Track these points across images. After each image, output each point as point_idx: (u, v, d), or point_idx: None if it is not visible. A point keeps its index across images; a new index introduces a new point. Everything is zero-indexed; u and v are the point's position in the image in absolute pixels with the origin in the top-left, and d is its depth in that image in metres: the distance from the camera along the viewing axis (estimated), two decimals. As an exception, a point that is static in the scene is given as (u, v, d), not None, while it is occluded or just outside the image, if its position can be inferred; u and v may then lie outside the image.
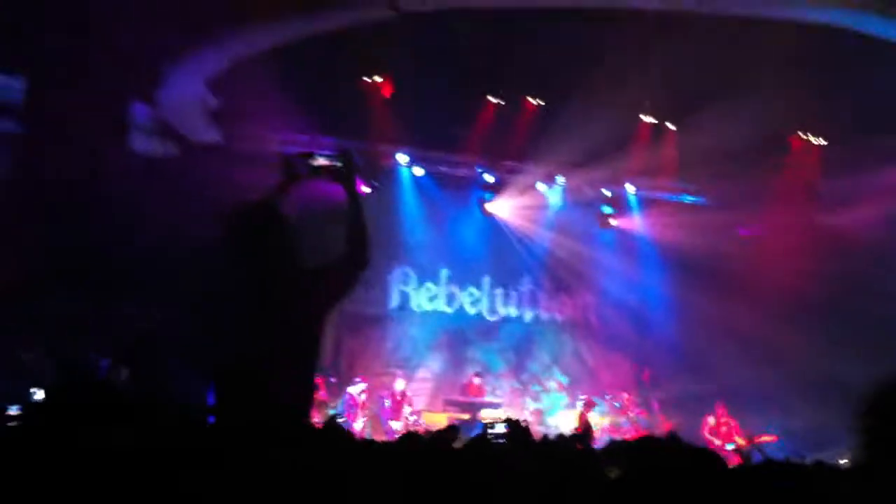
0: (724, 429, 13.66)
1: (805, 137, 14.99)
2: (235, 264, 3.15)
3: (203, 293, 3.28)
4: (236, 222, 3.21)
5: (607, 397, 14.98)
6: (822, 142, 14.89)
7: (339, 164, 3.37)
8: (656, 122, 14.82)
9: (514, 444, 5.73)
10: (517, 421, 6.56)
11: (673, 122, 14.81)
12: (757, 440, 13.09)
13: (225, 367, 3.09)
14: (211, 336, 3.18)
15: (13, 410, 5.01)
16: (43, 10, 10.04)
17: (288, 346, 3.08)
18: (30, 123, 11.00)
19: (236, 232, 3.18)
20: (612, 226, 16.15)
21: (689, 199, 16.18)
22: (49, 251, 10.58)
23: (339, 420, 11.75)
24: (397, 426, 13.26)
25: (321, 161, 3.38)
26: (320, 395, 13.12)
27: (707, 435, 13.60)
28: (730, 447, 13.11)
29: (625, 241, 16.41)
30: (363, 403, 13.34)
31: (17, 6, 10.00)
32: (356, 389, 13.27)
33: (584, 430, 9.79)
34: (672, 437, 8.43)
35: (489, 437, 8.73)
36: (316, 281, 3.22)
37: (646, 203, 16.26)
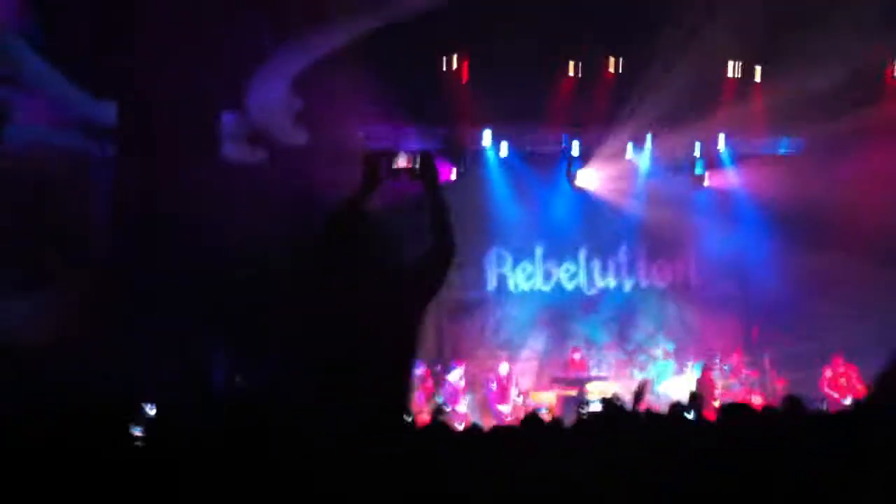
0: (842, 380, 13.34)
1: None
2: (330, 268, 3.19)
3: (301, 296, 3.30)
4: (330, 227, 3.25)
5: (716, 360, 14.72)
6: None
7: (417, 166, 3.37)
8: (742, 72, 14.40)
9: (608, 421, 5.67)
10: (611, 399, 6.50)
11: (759, 71, 14.37)
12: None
13: (324, 369, 3.13)
14: (309, 341, 3.20)
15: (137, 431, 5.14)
16: (128, 32, 10.30)
17: (386, 346, 3.10)
18: (124, 146, 11.31)
19: (330, 236, 3.23)
20: (705, 185, 15.75)
21: (783, 149, 15.66)
22: (157, 267, 10.88)
23: (445, 409, 11.86)
24: (506, 409, 13.30)
25: (401, 163, 3.36)
26: (427, 385, 13.26)
27: (826, 389, 13.30)
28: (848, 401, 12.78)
29: (720, 199, 16.01)
30: (463, 388, 13.42)
31: (102, 31, 10.28)
32: (455, 376, 13.39)
33: (696, 396, 9.55)
34: (790, 402, 8.24)
35: (582, 415, 8.71)
36: (408, 279, 3.24)
37: (739, 159, 15.80)
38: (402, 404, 3.27)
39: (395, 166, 3.35)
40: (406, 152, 3.40)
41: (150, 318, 10.47)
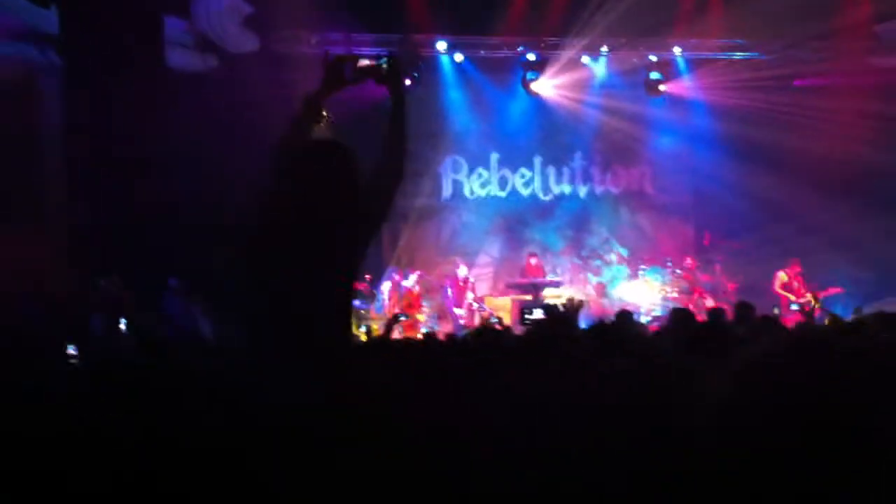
0: (795, 284, 13.65)
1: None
2: (283, 190, 3.12)
3: (247, 219, 3.29)
4: (283, 147, 3.17)
5: (669, 264, 15.01)
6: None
7: (384, 66, 3.25)
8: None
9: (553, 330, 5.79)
10: (554, 306, 6.60)
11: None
12: (822, 294, 13.13)
13: (268, 296, 3.10)
14: (253, 262, 3.20)
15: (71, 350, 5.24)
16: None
17: (331, 272, 3.08)
18: (67, 54, 11.10)
19: (286, 162, 3.14)
20: (661, 92, 15.73)
21: (739, 55, 15.66)
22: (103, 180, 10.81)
23: (400, 318, 12.03)
24: (461, 312, 13.53)
25: (365, 63, 3.25)
26: (388, 293, 13.45)
27: (779, 290, 13.60)
28: (794, 307, 13.14)
29: (676, 106, 16.04)
30: (418, 293, 13.60)
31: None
32: (410, 282, 13.53)
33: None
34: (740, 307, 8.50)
35: (526, 323, 8.81)
36: (364, 198, 3.15)
37: (695, 64, 15.78)
38: (347, 326, 3.25)
39: (359, 66, 3.25)
40: (370, 58, 3.30)
41: (104, 245, 10.45)
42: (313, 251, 3.04)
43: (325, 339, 3.04)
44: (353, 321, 3.22)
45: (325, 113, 3.29)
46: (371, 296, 13.21)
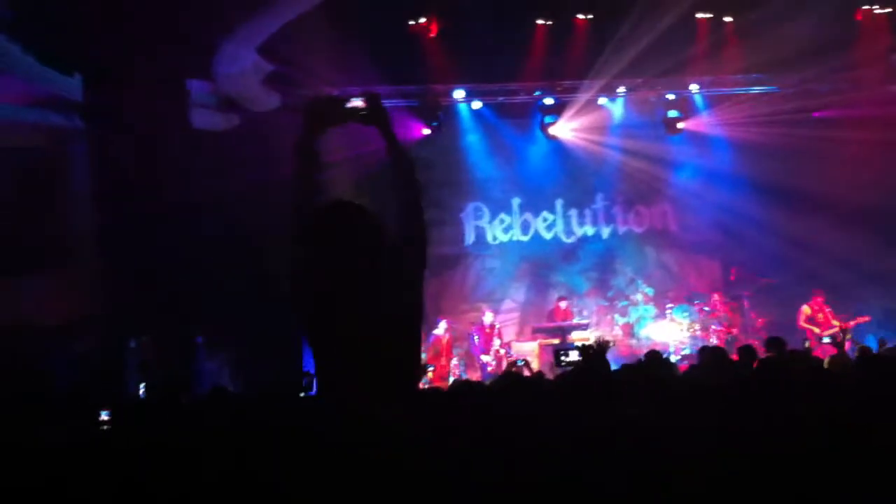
0: (820, 316, 13.55)
1: (871, 9, 14.50)
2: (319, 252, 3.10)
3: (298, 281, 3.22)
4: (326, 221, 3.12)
5: (696, 302, 14.93)
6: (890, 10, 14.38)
7: (364, 107, 3.21)
8: (713, 15, 14.45)
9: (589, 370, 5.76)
10: (588, 347, 6.57)
11: (731, 14, 14.43)
12: (851, 324, 13.06)
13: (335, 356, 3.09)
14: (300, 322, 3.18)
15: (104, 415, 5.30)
16: (92, 7, 10.30)
17: (395, 320, 3.09)
18: (91, 119, 11.36)
19: (304, 230, 3.12)
20: (680, 130, 15.83)
21: (757, 89, 15.71)
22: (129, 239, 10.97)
23: (428, 369, 12.02)
24: (488, 359, 13.50)
25: (351, 104, 3.21)
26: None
27: (804, 324, 13.52)
28: (826, 340, 13.04)
29: (696, 143, 16.09)
30: (448, 341, 13.58)
31: (66, 8, 10.29)
32: (440, 330, 13.53)
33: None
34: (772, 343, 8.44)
35: (562, 365, 8.77)
36: (396, 245, 3.15)
37: (713, 101, 15.87)
38: (417, 373, 3.27)
39: (340, 109, 3.22)
40: (350, 97, 3.24)
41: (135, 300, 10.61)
42: (361, 310, 3.02)
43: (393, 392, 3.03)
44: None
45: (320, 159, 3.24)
46: None
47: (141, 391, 8.83)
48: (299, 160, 3.19)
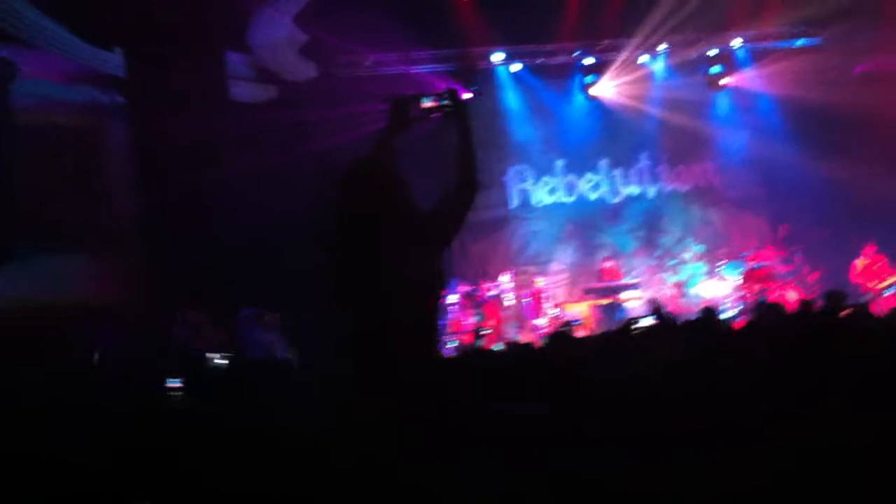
0: (875, 266, 13.26)
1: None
2: (355, 216, 3.12)
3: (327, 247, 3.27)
4: (351, 183, 3.16)
5: (746, 259, 14.69)
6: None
7: (447, 103, 3.32)
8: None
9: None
10: (660, 309, 6.48)
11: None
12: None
13: (355, 325, 3.11)
14: (332, 294, 3.19)
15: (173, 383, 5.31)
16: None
17: (415, 292, 3.09)
18: (134, 95, 11.37)
19: (352, 192, 3.14)
20: (722, 86, 15.57)
21: (799, 42, 15.35)
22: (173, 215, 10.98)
23: (482, 331, 12.00)
24: (542, 322, 13.44)
25: (428, 103, 3.32)
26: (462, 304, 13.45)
27: (858, 280, 13.22)
28: (887, 290, 12.71)
29: (738, 98, 15.85)
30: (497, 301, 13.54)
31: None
32: (495, 291, 13.52)
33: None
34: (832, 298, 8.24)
35: (634, 332, 8.69)
36: (432, 221, 3.19)
37: (755, 56, 15.56)
38: (434, 344, 3.25)
39: (422, 106, 3.32)
40: (431, 93, 3.35)
41: (182, 277, 10.63)
42: (386, 268, 3.05)
43: (409, 357, 3.04)
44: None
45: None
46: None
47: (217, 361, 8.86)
48: (377, 155, 3.29)
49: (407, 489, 2.66)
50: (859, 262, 13.34)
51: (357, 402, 2.97)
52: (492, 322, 13.12)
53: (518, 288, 14.02)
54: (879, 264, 13.26)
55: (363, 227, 3.06)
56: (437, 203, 3.21)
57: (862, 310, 7.73)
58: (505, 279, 13.73)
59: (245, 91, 12.36)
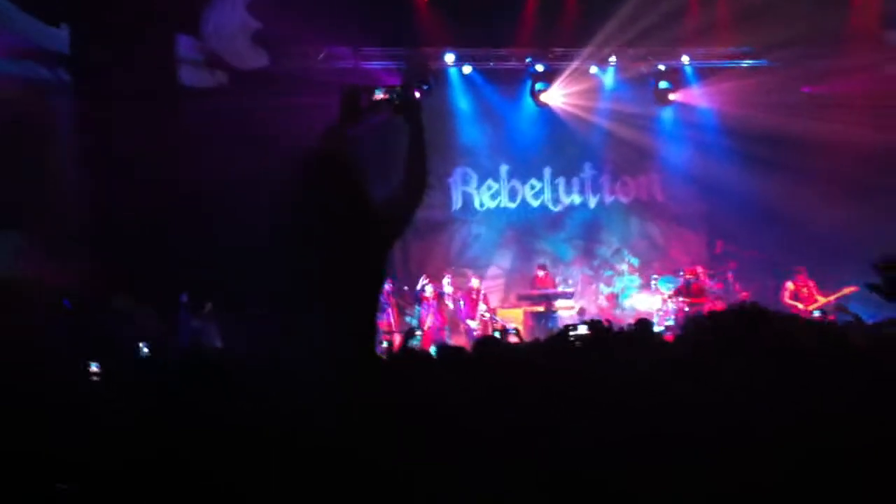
0: (804, 290, 13.54)
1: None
2: (301, 205, 3.15)
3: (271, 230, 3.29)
4: (306, 168, 3.19)
5: (681, 274, 14.94)
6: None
7: (398, 98, 3.33)
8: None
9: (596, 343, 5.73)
10: (598, 321, 6.56)
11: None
12: (835, 295, 13.03)
13: (292, 307, 3.15)
14: (275, 275, 3.23)
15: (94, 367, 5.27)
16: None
17: (355, 284, 3.11)
18: (78, 72, 11.18)
19: (306, 177, 3.18)
20: (670, 101, 15.80)
21: (748, 62, 15.66)
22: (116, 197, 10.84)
23: (416, 332, 12.03)
24: (474, 325, 13.52)
25: (381, 95, 3.33)
26: (399, 302, 13.48)
27: (788, 301, 13.50)
28: (816, 312, 12.99)
29: (685, 114, 16.07)
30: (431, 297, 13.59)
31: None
32: (429, 291, 13.54)
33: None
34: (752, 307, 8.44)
35: (570, 338, 8.75)
36: (380, 213, 3.21)
37: (703, 73, 15.82)
38: (373, 336, 3.30)
39: (374, 98, 3.32)
40: (384, 86, 3.36)
41: (123, 257, 10.50)
42: (331, 260, 3.07)
43: (346, 346, 3.07)
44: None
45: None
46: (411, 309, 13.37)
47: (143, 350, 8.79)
48: (327, 147, 3.29)
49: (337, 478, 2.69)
50: (789, 285, 13.63)
51: (299, 395, 2.96)
52: (427, 323, 13.15)
53: (454, 290, 14.10)
54: (808, 288, 13.56)
55: (322, 218, 3.07)
56: (386, 200, 3.24)
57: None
58: (444, 280, 13.77)
59: (194, 76, 12.24)
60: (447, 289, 13.74)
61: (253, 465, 2.74)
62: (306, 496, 2.70)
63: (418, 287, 13.52)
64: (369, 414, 2.90)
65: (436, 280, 13.76)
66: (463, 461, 2.87)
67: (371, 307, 3.23)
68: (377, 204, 3.21)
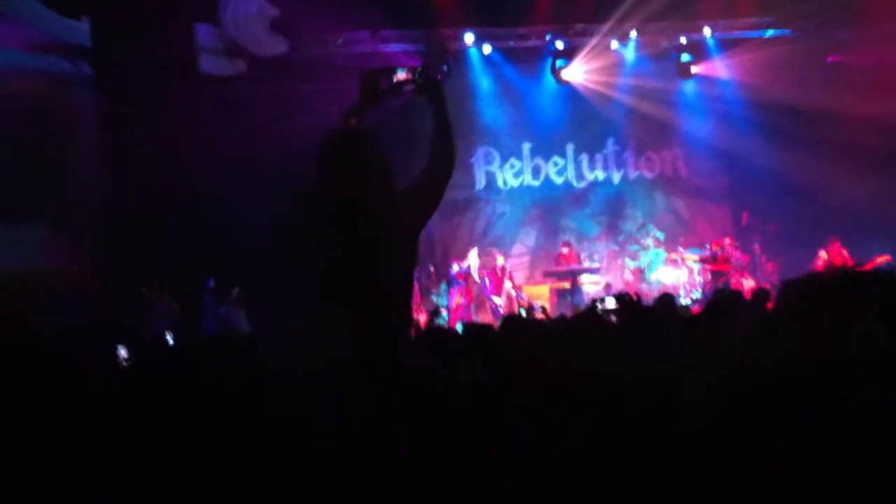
0: (839, 260, 13.39)
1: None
2: (325, 191, 3.11)
3: (297, 221, 3.29)
4: (328, 149, 3.14)
5: (707, 246, 14.88)
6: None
7: (420, 79, 3.27)
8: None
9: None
10: (626, 294, 6.54)
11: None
12: (869, 266, 12.87)
13: (326, 295, 3.14)
14: (300, 268, 3.24)
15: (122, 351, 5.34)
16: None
17: (389, 266, 3.09)
18: (99, 65, 11.26)
19: (329, 159, 3.12)
20: (692, 74, 15.68)
21: (770, 33, 15.48)
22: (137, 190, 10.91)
23: (441, 310, 12.10)
24: (499, 301, 13.56)
25: (402, 75, 3.27)
26: (425, 282, 13.57)
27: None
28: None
29: (708, 88, 15.95)
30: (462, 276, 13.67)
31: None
32: (455, 268, 13.63)
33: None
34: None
35: (599, 312, 8.76)
36: (409, 195, 3.19)
37: (726, 45, 15.68)
38: (408, 320, 3.28)
39: (395, 79, 3.27)
40: (404, 68, 3.31)
41: (147, 250, 10.58)
42: (362, 246, 3.05)
43: (381, 334, 3.05)
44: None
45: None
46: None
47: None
48: (348, 125, 3.24)
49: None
50: (823, 254, 13.47)
51: (340, 387, 2.96)
52: (456, 301, 13.23)
53: (480, 268, 14.15)
54: (843, 257, 13.42)
55: (348, 201, 3.04)
56: (414, 182, 3.21)
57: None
58: (471, 259, 13.81)
59: (214, 64, 12.30)
60: (473, 262, 13.74)
61: (270, 460, 2.78)
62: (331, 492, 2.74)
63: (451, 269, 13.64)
64: (391, 409, 2.87)
65: (461, 259, 13.84)
66: (483, 450, 2.90)
67: (404, 294, 3.20)
68: (405, 188, 3.18)
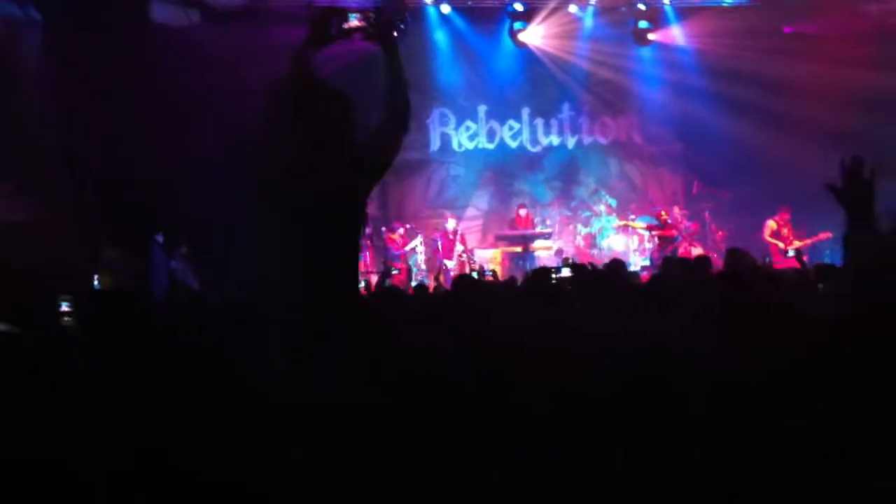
0: (785, 231, 13.57)
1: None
2: (282, 137, 3.06)
3: (247, 167, 3.22)
4: (282, 95, 3.09)
5: (656, 210, 14.98)
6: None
7: (372, 27, 3.20)
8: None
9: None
10: (581, 265, 6.58)
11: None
12: (812, 240, 13.12)
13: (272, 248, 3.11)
14: (257, 217, 3.18)
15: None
16: None
17: (338, 221, 3.05)
18: (48, 9, 10.93)
19: (282, 105, 3.08)
20: (650, 41, 15.67)
21: (728, 2, 15.51)
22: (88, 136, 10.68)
23: (392, 271, 12.08)
24: (451, 265, 13.56)
25: (354, 22, 3.21)
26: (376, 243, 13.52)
27: (768, 238, 13.50)
28: (790, 252, 13.02)
29: (665, 55, 15.96)
30: (405, 246, 13.66)
31: None
32: (395, 235, 13.60)
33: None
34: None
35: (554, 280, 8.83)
36: (364, 148, 3.13)
37: (684, 12, 15.69)
38: (355, 275, 3.24)
39: (346, 25, 3.21)
40: (358, 11, 3.27)
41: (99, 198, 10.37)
42: (316, 202, 3.00)
43: (332, 291, 3.02)
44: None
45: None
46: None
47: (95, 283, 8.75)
48: (294, 71, 3.14)
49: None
50: (771, 223, 13.61)
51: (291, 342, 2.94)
52: (401, 264, 13.20)
53: (432, 230, 14.13)
54: (789, 228, 13.58)
55: (304, 150, 2.98)
56: (368, 137, 3.14)
57: (765, 268, 7.95)
58: (416, 244, 13.81)
59: (166, 13, 11.98)
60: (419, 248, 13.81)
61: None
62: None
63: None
64: (352, 371, 2.88)
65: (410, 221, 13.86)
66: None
67: (353, 248, 3.17)
68: (361, 137, 3.12)
